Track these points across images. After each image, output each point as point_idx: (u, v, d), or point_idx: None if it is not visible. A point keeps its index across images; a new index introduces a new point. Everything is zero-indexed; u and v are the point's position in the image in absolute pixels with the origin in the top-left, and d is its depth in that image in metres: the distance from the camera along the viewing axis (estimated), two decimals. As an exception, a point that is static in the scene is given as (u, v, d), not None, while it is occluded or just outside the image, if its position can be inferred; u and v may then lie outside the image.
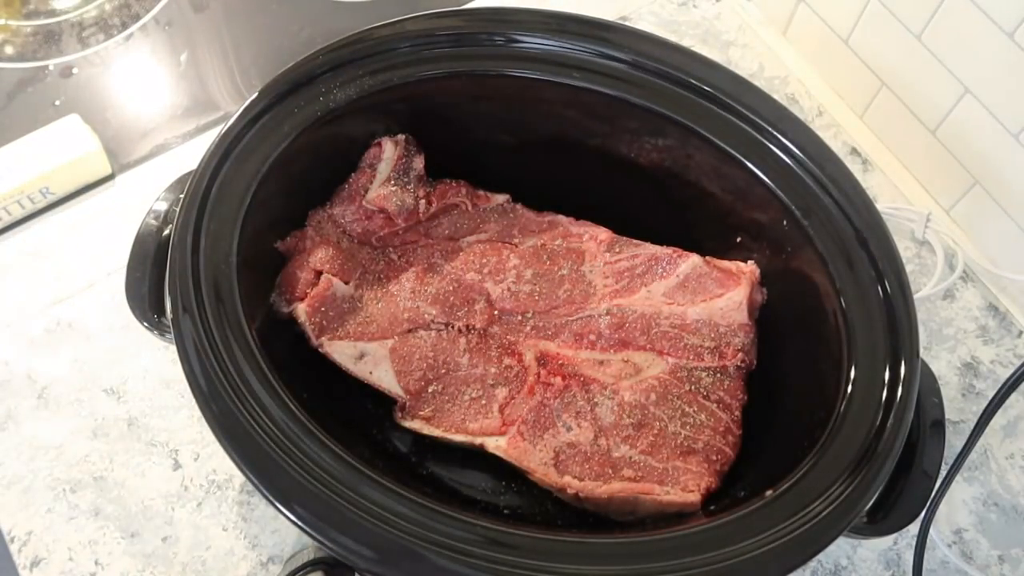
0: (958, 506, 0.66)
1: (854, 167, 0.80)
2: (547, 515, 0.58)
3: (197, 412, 0.47)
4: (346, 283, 0.60)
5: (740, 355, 0.58)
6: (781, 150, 0.58)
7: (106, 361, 0.68)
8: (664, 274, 0.61)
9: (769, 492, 0.47)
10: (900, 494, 0.51)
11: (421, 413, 0.57)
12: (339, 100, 0.58)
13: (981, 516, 0.66)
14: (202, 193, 0.53)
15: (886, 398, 0.50)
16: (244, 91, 0.84)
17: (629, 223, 0.64)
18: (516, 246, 0.64)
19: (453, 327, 0.60)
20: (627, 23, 0.85)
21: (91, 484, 0.63)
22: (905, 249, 0.77)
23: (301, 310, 0.58)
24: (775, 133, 0.59)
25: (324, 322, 0.58)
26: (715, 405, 0.57)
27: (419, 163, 0.65)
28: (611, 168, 0.65)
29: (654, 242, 0.63)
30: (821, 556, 0.46)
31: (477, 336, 0.60)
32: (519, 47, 0.61)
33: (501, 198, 0.66)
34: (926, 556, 0.60)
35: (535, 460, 0.55)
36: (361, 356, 0.58)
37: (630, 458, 0.55)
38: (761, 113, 0.59)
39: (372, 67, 0.59)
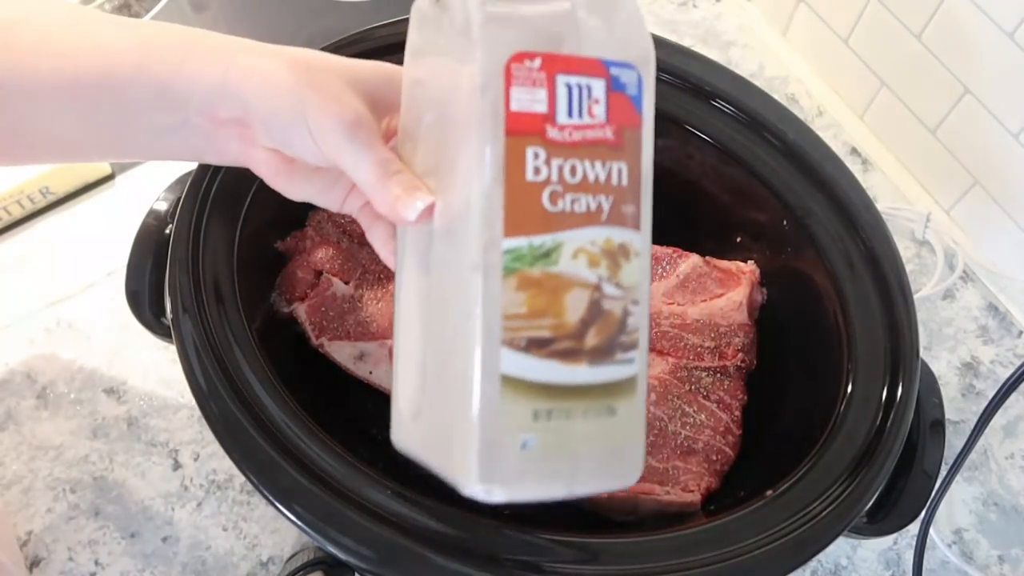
0: (958, 506, 0.66)
1: (854, 167, 0.80)
2: (547, 515, 0.58)
3: (197, 412, 0.47)
4: (346, 283, 0.60)
5: (740, 355, 0.58)
6: (781, 150, 0.58)
7: (106, 361, 0.68)
8: (664, 274, 0.61)
9: (769, 492, 0.47)
10: (900, 494, 0.51)
11: (421, 413, 0.57)
12: (339, 100, 0.58)
13: (981, 516, 0.66)
14: (202, 193, 0.53)
15: (886, 398, 0.50)
16: (244, 91, 0.84)
17: (629, 223, 0.64)
18: (516, 246, 0.64)
19: (453, 327, 0.60)
20: (627, 23, 0.85)
21: (91, 484, 0.63)
22: (905, 249, 0.77)
23: (301, 310, 0.58)
24: (775, 133, 0.59)
25: (324, 322, 0.58)
26: (715, 405, 0.57)
27: (419, 163, 0.65)
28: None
29: (654, 242, 0.63)
30: (821, 556, 0.46)
31: (477, 336, 0.60)
32: (519, 47, 0.61)
33: (501, 198, 0.66)
34: (926, 556, 0.60)
35: (535, 460, 0.55)
36: (361, 356, 0.58)
37: (630, 458, 0.55)
38: (761, 113, 0.59)
39: (372, 67, 0.59)
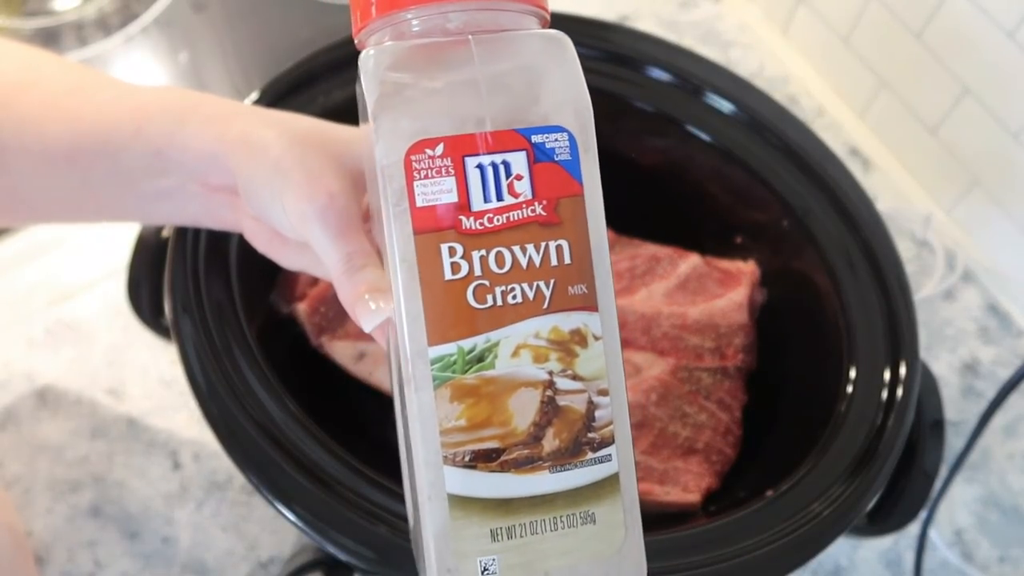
0: (958, 506, 0.66)
1: (854, 167, 0.79)
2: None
3: (197, 412, 0.47)
4: (346, 283, 0.60)
5: (740, 355, 0.58)
6: (781, 150, 0.58)
7: (106, 361, 0.68)
8: (664, 274, 0.61)
9: (769, 492, 0.47)
10: (900, 494, 0.51)
11: (421, 413, 0.57)
12: (339, 100, 0.58)
13: (981, 516, 0.66)
14: (202, 193, 0.53)
15: (886, 398, 0.50)
16: (244, 91, 0.84)
17: (629, 223, 0.64)
18: (516, 246, 0.64)
19: (453, 327, 0.60)
20: (627, 23, 0.85)
21: (91, 484, 0.63)
22: (905, 249, 0.77)
23: (301, 310, 0.58)
24: (775, 133, 0.59)
25: (324, 322, 0.58)
26: (715, 405, 0.57)
27: (419, 163, 0.65)
28: (611, 168, 0.65)
29: (654, 242, 0.63)
30: (821, 556, 0.46)
31: (477, 336, 0.60)
32: (519, 47, 0.61)
33: (501, 198, 0.66)
34: (926, 556, 0.60)
35: (535, 460, 0.55)
36: (361, 356, 0.58)
37: (630, 458, 0.55)
38: (761, 113, 0.59)
39: (372, 67, 0.59)
